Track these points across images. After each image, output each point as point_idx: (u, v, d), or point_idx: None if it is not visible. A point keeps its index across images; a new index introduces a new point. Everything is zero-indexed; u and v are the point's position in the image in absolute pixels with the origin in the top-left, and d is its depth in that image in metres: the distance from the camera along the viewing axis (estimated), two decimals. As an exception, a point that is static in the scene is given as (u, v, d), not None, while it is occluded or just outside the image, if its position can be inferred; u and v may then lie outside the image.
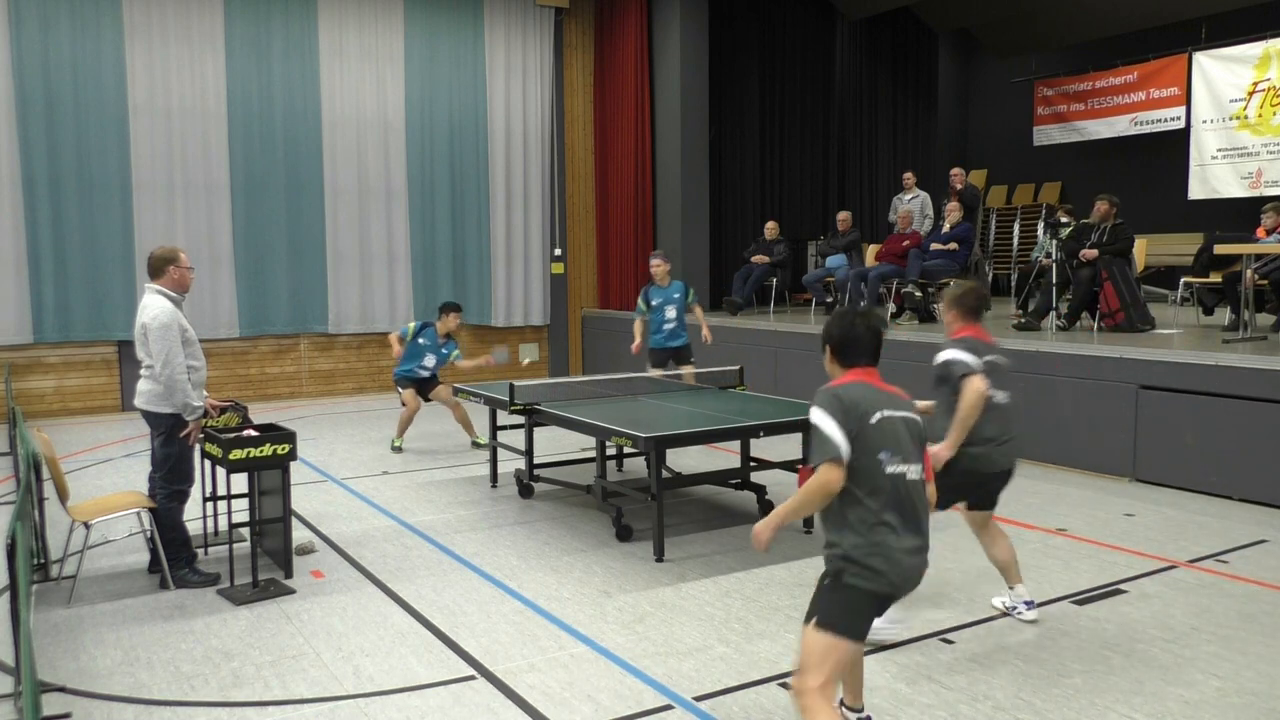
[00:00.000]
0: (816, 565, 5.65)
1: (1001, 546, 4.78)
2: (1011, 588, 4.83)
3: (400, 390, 9.21)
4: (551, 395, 7.31)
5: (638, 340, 9.37)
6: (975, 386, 4.36)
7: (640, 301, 9.31)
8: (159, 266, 5.37)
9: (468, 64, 13.32)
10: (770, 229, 12.78)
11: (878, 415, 3.12)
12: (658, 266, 9.23)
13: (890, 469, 3.10)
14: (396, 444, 9.30)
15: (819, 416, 3.13)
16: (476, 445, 9.26)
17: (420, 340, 9.08)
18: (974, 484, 4.62)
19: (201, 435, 5.51)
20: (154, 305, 5.25)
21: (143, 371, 5.35)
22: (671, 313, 9.15)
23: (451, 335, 9.27)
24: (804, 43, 14.83)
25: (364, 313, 12.79)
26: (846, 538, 3.13)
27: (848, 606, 3.12)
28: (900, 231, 11.50)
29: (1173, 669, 4.23)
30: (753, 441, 6.79)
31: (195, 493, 5.63)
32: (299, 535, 6.10)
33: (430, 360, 9.16)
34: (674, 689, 4.07)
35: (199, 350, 5.39)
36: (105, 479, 7.95)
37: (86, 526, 5.21)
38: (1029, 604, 4.80)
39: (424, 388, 9.22)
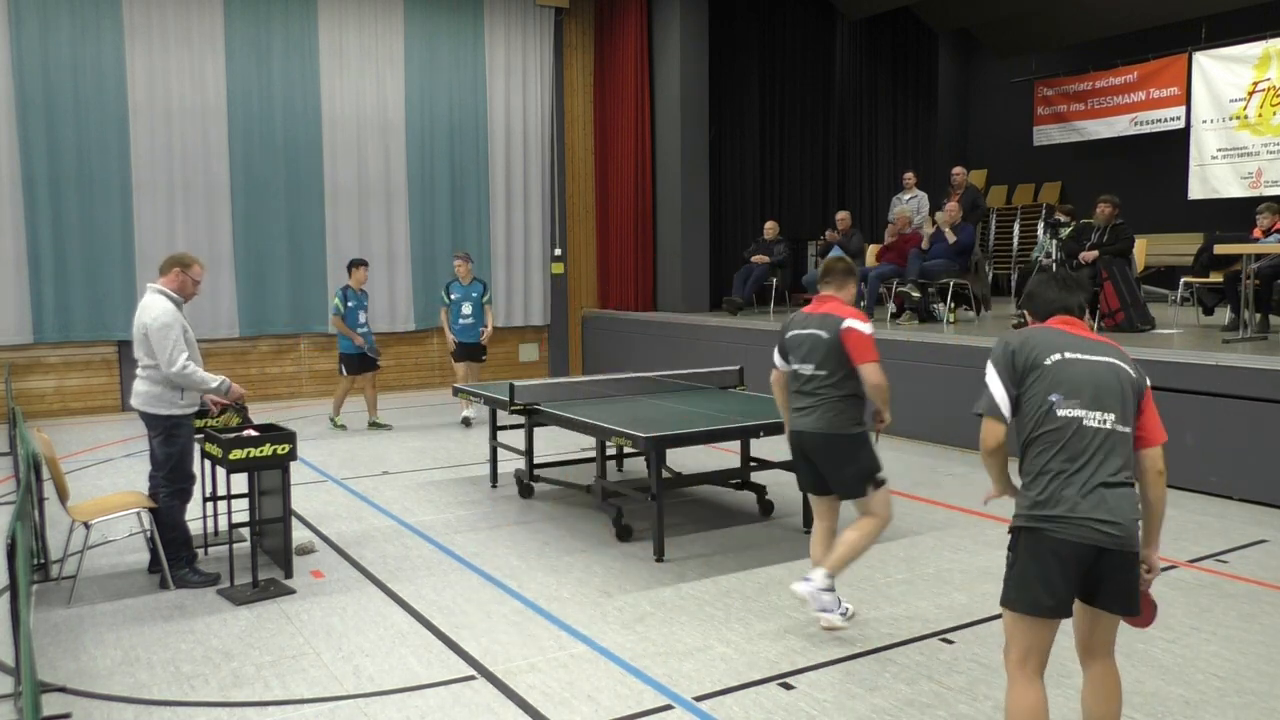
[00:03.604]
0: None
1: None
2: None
3: (343, 371, 10.09)
4: (551, 395, 7.30)
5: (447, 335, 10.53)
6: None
7: (442, 293, 10.66)
8: (168, 265, 5.42)
9: (468, 64, 13.31)
10: (770, 229, 12.78)
11: (1055, 357, 3.01)
12: (459, 266, 10.54)
13: (1063, 412, 2.95)
14: (338, 422, 10.21)
15: (987, 367, 3.11)
16: (374, 425, 10.20)
17: (349, 304, 9.97)
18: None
19: (201, 435, 5.52)
20: (155, 305, 5.26)
21: (139, 372, 5.34)
22: (468, 309, 10.40)
23: (362, 287, 10.20)
24: (804, 43, 14.81)
25: (364, 313, 12.78)
26: (1020, 500, 3.03)
27: (1026, 576, 2.97)
28: (900, 232, 11.49)
29: (1173, 669, 4.23)
30: (753, 441, 6.78)
31: (195, 492, 5.63)
32: (299, 535, 6.10)
33: (363, 317, 10.03)
34: (674, 689, 4.07)
35: (197, 352, 5.40)
36: (105, 479, 7.95)
37: (86, 526, 5.21)
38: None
39: (364, 366, 10.07)
